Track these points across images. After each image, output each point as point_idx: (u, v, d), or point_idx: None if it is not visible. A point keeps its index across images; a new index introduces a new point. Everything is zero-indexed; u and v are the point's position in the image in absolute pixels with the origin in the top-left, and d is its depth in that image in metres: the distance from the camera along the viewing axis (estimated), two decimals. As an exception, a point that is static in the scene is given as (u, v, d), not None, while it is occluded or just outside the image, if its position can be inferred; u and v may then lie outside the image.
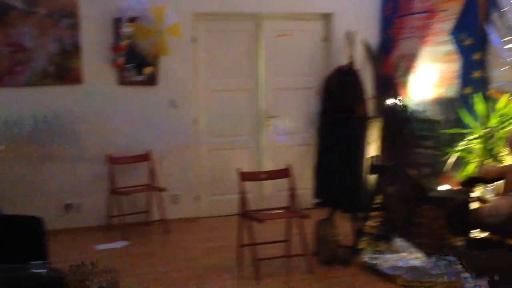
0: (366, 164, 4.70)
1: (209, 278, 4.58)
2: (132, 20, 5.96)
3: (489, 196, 5.02)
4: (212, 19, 6.56)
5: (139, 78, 6.20)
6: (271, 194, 6.44)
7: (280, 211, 4.99)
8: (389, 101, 6.76)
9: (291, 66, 6.83)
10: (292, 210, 4.86)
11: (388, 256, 4.60)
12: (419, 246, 4.70)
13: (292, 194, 4.89)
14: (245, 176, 4.98)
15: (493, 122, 5.21)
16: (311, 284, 4.43)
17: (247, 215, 4.76)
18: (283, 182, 5.08)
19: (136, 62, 6.13)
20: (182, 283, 4.48)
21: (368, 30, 6.88)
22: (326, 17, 6.88)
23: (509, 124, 5.09)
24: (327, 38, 6.91)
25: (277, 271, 4.69)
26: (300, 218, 4.73)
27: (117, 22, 6.01)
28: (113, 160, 5.97)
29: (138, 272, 4.70)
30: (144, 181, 6.12)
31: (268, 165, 6.52)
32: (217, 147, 6.61)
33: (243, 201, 4.80)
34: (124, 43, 6.01)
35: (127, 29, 5.97)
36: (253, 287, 4.42)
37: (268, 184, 6.28)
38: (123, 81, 6.15)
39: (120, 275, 3.22)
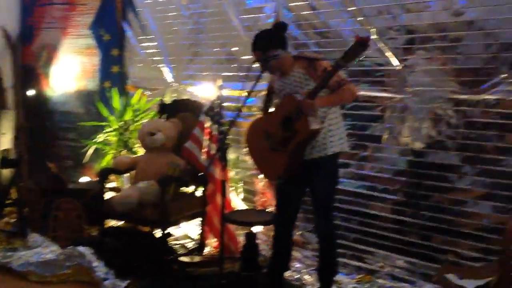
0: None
1: None
2: None
3: (124, 185, 5.32)
4: None
5: None
6: None
7: None
8: (30, 92, 6.55)
9: None
10: None
11: (22, 253, 4.43)
12: (56, 239, 4.68)
13: None
14: None
15: (129, 115, 5.50)
16: None
17: None
18: None
19: None
20: None
21: (7, 17, 6.52)
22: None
23: (142, 118, 5.45)
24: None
25: None
26: None
27: None
28: None
29: None
30: None
31: None
32: None
33: None
34: None
35: None
36: None
37: None
38: None
39: None
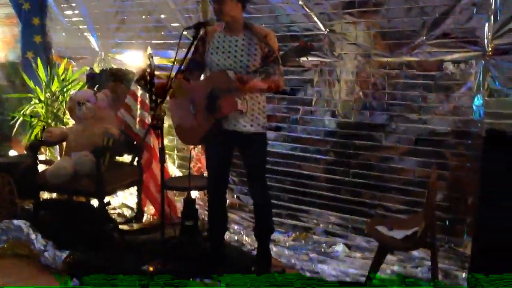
0: None
1: None
2: None
3: (56, 158, 5.24)
4: None
5: None
6: None
7: None
8: None
9: None
10: None
11: None
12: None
13: None
14: None
15: (56, 86, 5.38)
16: None
17: None
18: None
19: None
20: None
21: None
22: None
23: (70, 88, 5.34)
24: None
25: None
26: None
27: None
28: None
29: None
30: None
31: None
32: None
33: None
34: None
35: None
36: None
37: None
38: None
39: None
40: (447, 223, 3.64)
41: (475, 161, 3.42)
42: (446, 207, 3.63)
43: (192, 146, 4.77)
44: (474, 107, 3.49)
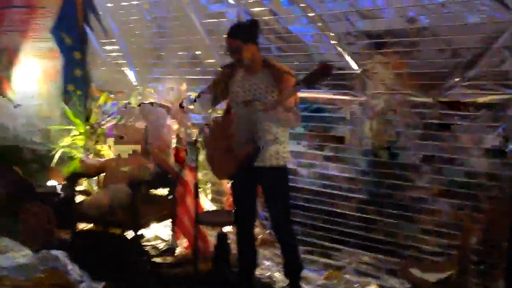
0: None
1: None
2: None
3: (94, 189, 5.36)
4: None
5: None
6: None
7: None
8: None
9: None
10: None
11: (-7, 258, 4.43)
12: (26, 243, 4.68)
13: None
14: None
15: (95, 119, 5.54)
16: None
17: None
18: None
19: None
20: None
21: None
22: None
23: (108, 121, 5.50)
24: None
25: None
26: None
27: None
28: None
29: None
30: None
31: None
32: None
33: None
34: None
35: None
36: None
37: None
38: None
39: None
40: (482, 267, 3.60)
41: (510, 204, 3.39)
42: (481, 251, 3.59)
43: (225, 180, 4.85)
44: (507, 150, 3.48)
